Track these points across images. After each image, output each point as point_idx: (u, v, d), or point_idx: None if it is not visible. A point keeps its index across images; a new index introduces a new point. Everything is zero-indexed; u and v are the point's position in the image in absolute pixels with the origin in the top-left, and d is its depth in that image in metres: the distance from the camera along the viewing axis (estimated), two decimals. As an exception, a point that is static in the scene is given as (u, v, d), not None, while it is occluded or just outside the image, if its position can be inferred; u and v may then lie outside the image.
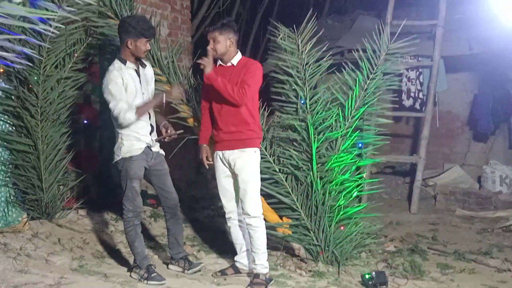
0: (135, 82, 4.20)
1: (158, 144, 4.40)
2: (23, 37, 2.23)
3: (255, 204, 4.25)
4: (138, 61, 4.27)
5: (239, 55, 4.28)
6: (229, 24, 4.25)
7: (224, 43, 4.19)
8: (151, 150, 4.30)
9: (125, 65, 4.18)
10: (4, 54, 1.90)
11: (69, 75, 4.97)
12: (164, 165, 4.44)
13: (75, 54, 4.98)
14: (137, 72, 4.24)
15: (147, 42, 4.17)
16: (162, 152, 4.44)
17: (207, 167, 4.50)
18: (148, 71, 4.39)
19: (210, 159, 4.42)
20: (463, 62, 8.04)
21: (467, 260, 5.12)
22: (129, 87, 4.14)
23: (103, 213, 5.52)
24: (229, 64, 4.25)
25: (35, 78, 4.72)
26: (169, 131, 4.39)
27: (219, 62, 4.31)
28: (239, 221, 4.45)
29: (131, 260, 4.46)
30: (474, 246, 5.61)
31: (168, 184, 4.45)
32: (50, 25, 2.05)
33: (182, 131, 4.52)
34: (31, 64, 4.66)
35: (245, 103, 4.14)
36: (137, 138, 4.20)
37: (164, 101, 4.24)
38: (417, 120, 8.46)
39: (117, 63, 4.19)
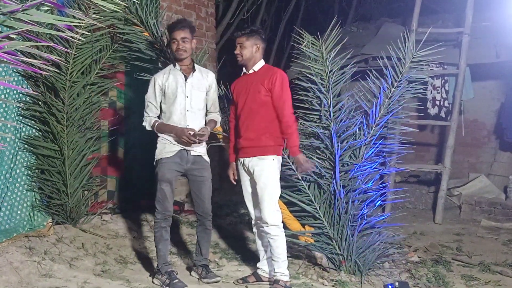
0: (178, 84, 4.26)
1: (201, 149, 4.37)
2: (50, 44, 2.25)
3: (272, 212, 4.21)
4: (191, 65, 4.36)
5: (261, 63, 4.30)
6: (257, 31, 4.29)
7: (250, 48, 4.23)
8: (187, 153, 4.30)
9: (174, 67, 4.34)
10: (32, 60, 1.93)
11: (95, 81, 5.03)
12: (203, 173, 4.39)
13: (101, 61, 5.05)
14: (185, 75, 4.31)
15: (175, 41, 4.24)
16: (206, 158, 4.42)
17: (235, 183, 4.51)
18: (203, 79, 4.38)
19: (237, 177, 4.47)
20: (490, 70, 7.92)
21: (493, 272, 5.03)
22: (169, 89, 4.26)
23: (127, 219, 5.56)
24: (251, 71, 4.27)
25: (62, 84, 4.78)
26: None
27: (244, 70, 4.35)
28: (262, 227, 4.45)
29: (153, 266, 4.48)
30: (500, 258, 5.50)
31: (203, 193, 4.41)
32: (77, 32, 2.08)
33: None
34: (58, 71, 4.72)
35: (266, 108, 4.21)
36: (170, 142, 4.27)
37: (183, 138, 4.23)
38: (442, 128, 8.34)
39: (170, 65, 4.40)
